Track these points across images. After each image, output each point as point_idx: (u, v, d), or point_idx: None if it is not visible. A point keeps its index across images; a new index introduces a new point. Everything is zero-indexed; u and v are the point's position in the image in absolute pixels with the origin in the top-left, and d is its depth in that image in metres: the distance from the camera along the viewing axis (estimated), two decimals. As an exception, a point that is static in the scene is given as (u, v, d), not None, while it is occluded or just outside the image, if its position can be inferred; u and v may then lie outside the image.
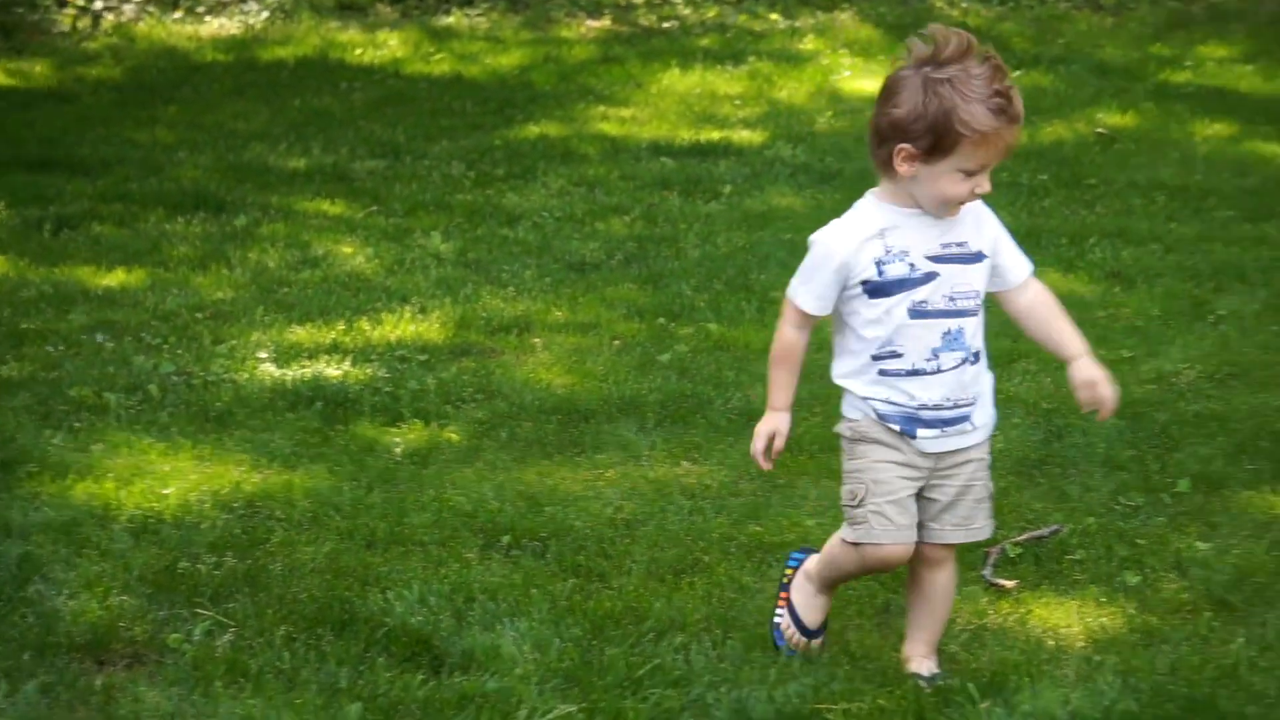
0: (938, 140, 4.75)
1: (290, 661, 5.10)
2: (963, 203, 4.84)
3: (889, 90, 4.82)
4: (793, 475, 6.66)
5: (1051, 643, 5.29)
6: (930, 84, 4.77)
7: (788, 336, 5.04)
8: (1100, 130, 12.89)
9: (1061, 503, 6.34)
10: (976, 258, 4.89)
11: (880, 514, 4.92)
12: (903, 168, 4.79)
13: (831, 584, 5.20)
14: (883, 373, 4.92)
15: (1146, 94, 14.09)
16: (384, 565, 5.80)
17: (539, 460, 6.85)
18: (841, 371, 5.03)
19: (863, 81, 14.63)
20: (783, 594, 5.28)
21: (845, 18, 16.98)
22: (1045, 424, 7.09)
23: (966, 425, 4.93)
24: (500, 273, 9.51)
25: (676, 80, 14.74)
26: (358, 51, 16.06)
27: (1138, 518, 6.21)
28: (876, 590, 5.63)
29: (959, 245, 4.87)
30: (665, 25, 16.99)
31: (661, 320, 8.66)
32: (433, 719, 4.83)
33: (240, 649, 5.19)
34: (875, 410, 4.94)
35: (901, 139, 4.78)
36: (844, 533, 5.04)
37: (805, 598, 5.23)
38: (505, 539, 6.02)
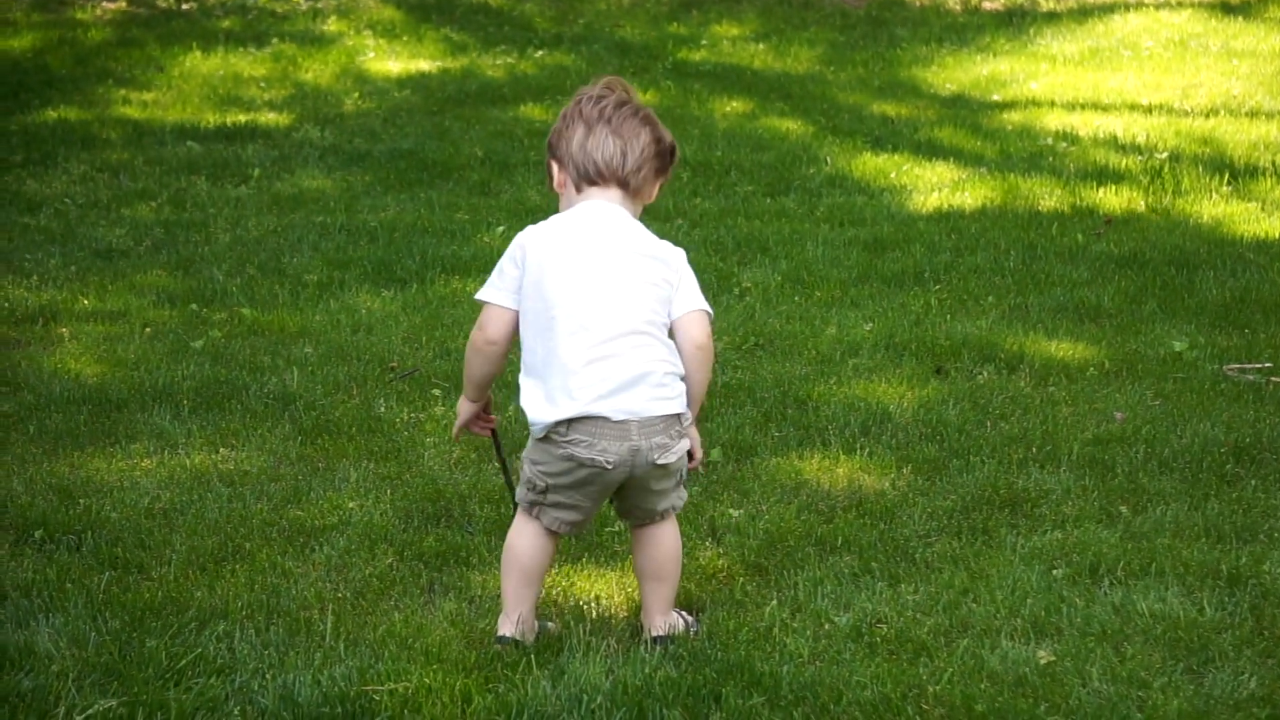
0: None
1: None
2: None
3: (650, 119, 5.40)
4: (333, 458, 6.64)
5: (595, 614, 5.38)
6: None
7: None
8: (624, 109, 13.11)
9: (598, 475, 6.45)
10: None
11: None
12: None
13: None
14: None
15: (666, 72, 14.39)
16: (-92, 567, 5.61)
17: (71, 452, 6.69)
18: None
19: (388, 62, 14.61)
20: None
21: (368, -1, 16.93)
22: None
23: None
24: (23, 261, 9.24)
25: (199, 63, 14.51)
26: None
27: (672, 487, 6.35)
28: (420, 570, 5.66)
29: None
30: (185, 7, 16.70)
31: (194, 306, 8.54)
32: (-33, 723, 4.70)
33: None
34: None
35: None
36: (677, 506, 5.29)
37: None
38: (38, 533, 5.87)
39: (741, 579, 5.61)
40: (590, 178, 5.27)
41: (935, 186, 10.88)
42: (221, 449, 6.76)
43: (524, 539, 5.17)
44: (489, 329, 5.13)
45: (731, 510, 6.14)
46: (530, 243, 5.16)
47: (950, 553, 5.77)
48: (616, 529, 5.96)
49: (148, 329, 8.20)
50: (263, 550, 5.80)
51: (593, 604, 5.44)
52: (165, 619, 5.24)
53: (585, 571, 5.66)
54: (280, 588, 5.51)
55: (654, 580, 5.24)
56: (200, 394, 7.28)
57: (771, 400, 7.21)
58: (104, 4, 16.68)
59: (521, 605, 5.17)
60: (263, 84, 13.97)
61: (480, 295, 5.16)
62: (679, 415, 5.10)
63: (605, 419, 5.00)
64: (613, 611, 5.40)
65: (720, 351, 7.85)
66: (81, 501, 6.17)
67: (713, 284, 8.93)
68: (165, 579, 5.56)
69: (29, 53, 14.96)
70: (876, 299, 8.67)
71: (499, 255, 5.27)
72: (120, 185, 10.93)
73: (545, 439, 5.06)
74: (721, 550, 5.82)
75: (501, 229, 9.82)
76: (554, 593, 5.51)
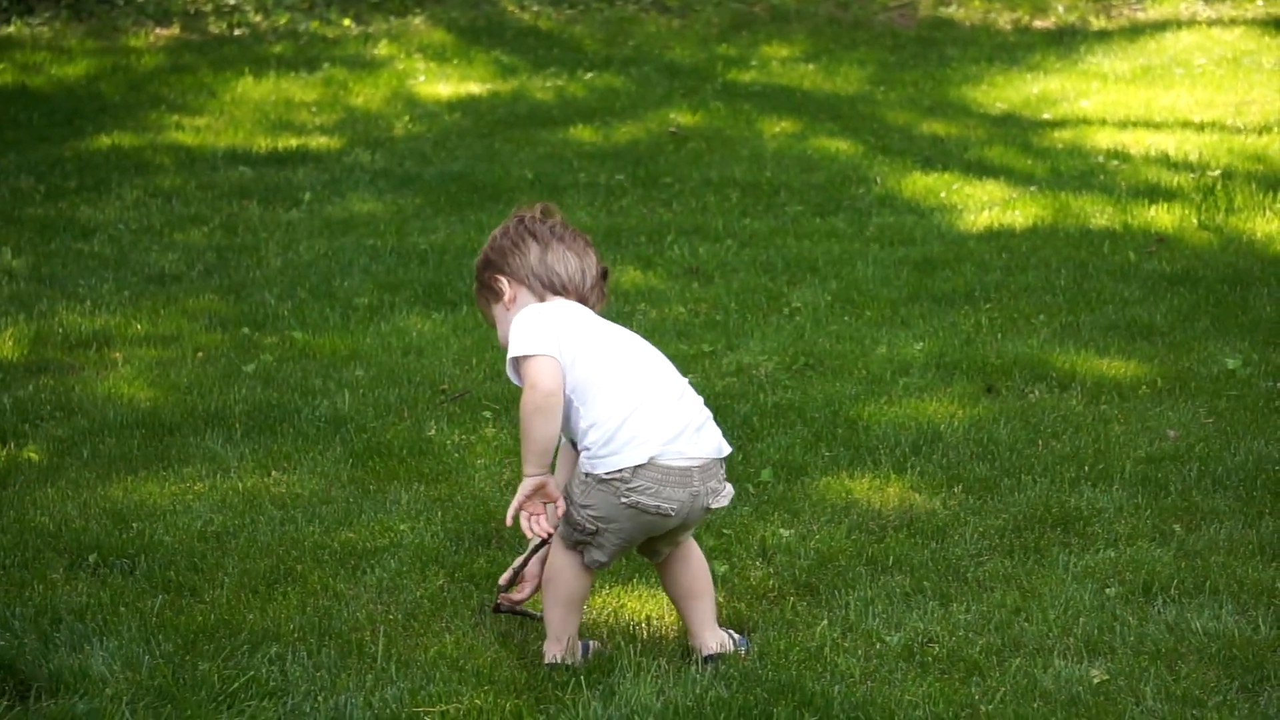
0: None
1: None
2: None
3: (590, 243, 5.38)
4: (384, 481, 6.65)
5: (645, 635, 5.38)
6: None
7: None
8: (673, 129, 13.14)
9: (649, 496, 6.44)
10: None
11: None
12: None
13: None
14: None
15: (715, 93, 14.40)
16: (-36, 591, 5.64)
17: (124, 476, 6.72)
18: None
19: (438, 86, 14.66)
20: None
21: (418, 22, 16.99)
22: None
23: None
24: (77, 287, 9.30)
25: (250, 88, 14.58)
26: (-85, 63, 15.53)
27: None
28: (471, 591, 5.67)
29: None
30: (236, 33, 16.78)
31: (245, 330, 8.57)
32: (22, 746, 4.72)
33: None
34: None
35: None
36: None
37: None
38: (92, 557, 5.90)
39: (792, 599, 5.61)
40: (556, 289, 5.29)
41: (985, 205, 10.85)
42: (273, 472, 6.78)
43: (567, 571, 5.19)
44: (546, 381, 5.01)
45: (782, 530, 6.13)
46: (553, 307, 5.21)
47: (1002, 572, 5.75)
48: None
49: (200, 353, 8.24)
50: (314, 573, 5.82)
51: (643, 625, 5.44)
52: (218, 642, 5.26)
53: (636, 593, 5.66)
54: (332, 610, 5.52)
55: (693, 599, 5.25)
56: (252, 417, 7.31)
57: (822, 420, 7.20)
58: (156, 31, 16.78)
59: (568, 630, 5.18)
60: (314, 108, 14.03)
61: (525, 350, 5.05)
62: (725, 458, 5.20)
63: (672, 465, 5.03)
64: (663, 632, 5.40)
65: (770, 371, 7.85)
66: (135, 525, 6.19)
67: (762, 304, 8.92)
68: (218, 602, 5.58)
69: (83, 80, 15.05)
70: (927, 318, 8.65)
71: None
72: (172, 210, 10.98)
73: (604, 485, 5.06)
74: (772, 570, 5.81)
75: (552, 251, 9.83)
76: (604, 614, 5.51)
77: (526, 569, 5.33)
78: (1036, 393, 7.54)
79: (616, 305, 8.42)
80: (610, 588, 5.67)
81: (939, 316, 8.67)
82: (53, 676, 5.01)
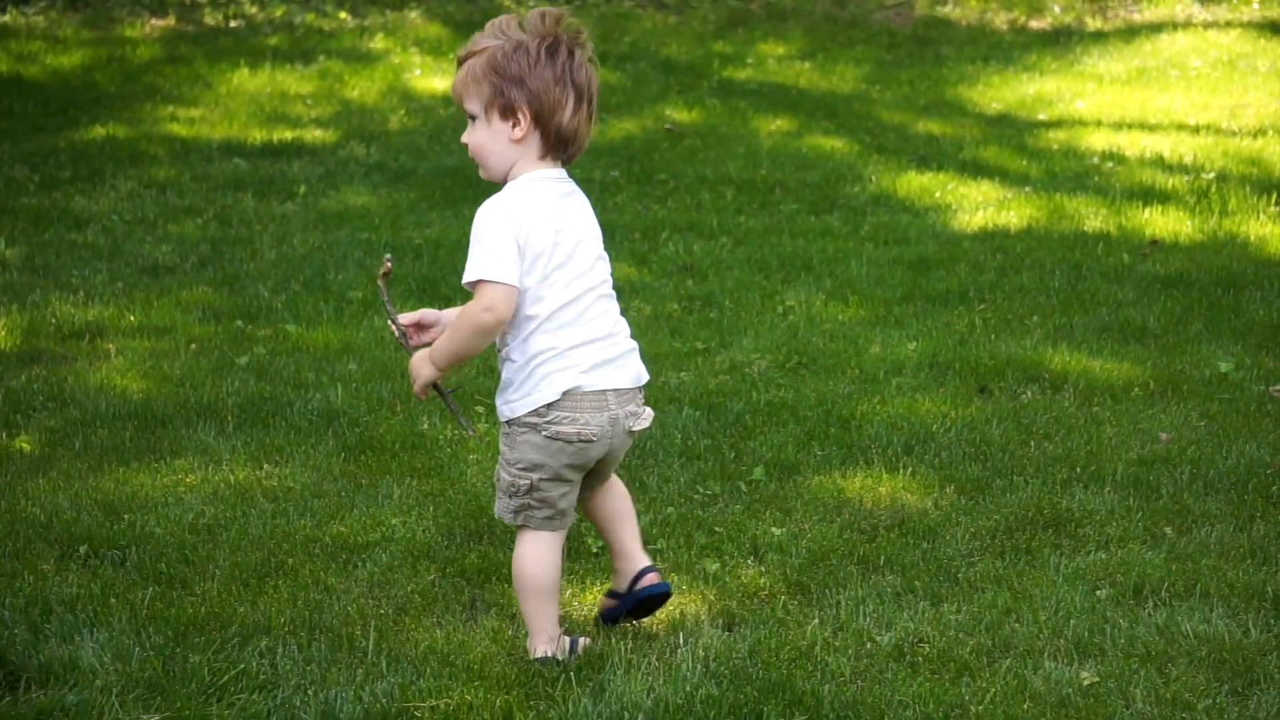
0: None
1: None
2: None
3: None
4: (376, 475, 6.65)
5: (635, 631, 5.38)
6: None
7: None
8: (669, 126, 13.13)
9: (641, 493, 6.44)
10: None
11: None
12: None
13: None
14: None
15: (711, 90, 14.40)
16: (-46, 581, 5.64)
17: (116, 467, 6.71)
18: None
19: (434, 80, 14.64)
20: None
21: (414, 16, 16.98)
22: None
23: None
24: (70, 278, 9.29)
25: (246, 80, 14.57)
26: (-89, 51, 15.51)
27: (716, 506, 6.35)
28: (462, 586, 5.66)
29: None
30: (232, 24, 16.77)
31: (239, 323, 8.57)
32: (11, 737, 4.71)
33: None
34: None
35: None
36: None
37: None
38: (83, 548, 5.89)
39: (783, 597, 5.60)
40: (561, 153, 5.12)
41: (980, 205, 10.85)
42: (265, 465, 6.78)
43: (529, 557, 5.16)
44: (501, 308, 4.94)
45: (774, 529, 6.13)
46: (525, 224, 4.99)
47: (993, 573, 5.76)
48: (659, 546, 5.96)
49: (193, 345, 8.23)
50: (305, 566, 5.81)
51: (634, 622, 5.43)
52: (208, 634, 5.26)
53: (627, 589, 5.65)
54: (323, 604, 5.52)
55: (620, 521, 5.34)
56: (244, 410, 7.31)
57: (814, 419, 7.20)
58: (152, 21, 16.76)
59: (548, 623, 5.16)
60: (309, 101, 14.01)
61: (489, 274, 4.93)
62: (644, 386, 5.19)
63: (586, 392, 5.02)
64: (654, 630, 5.40)
65: (763, 370, 7.85)
66: (126, 517, 6.19)
67: (756, 302, 8.92)
68: (208, 594, 5.58)
69: (78, 70, 15.04)
70: (921, 318, 8.65)
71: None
72: (167, 202, 10.97)
73: (525, 427, 5.03)
74: (763, 569, 5.81)
75: (546, 246, 9.82)
76: (594, 610, 5.50)
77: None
78: (1029, 394, 7.54)
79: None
80: (601, 584, 5.67)
81: (933, 316, 8.67)
82: (43, 667, 5.01)
